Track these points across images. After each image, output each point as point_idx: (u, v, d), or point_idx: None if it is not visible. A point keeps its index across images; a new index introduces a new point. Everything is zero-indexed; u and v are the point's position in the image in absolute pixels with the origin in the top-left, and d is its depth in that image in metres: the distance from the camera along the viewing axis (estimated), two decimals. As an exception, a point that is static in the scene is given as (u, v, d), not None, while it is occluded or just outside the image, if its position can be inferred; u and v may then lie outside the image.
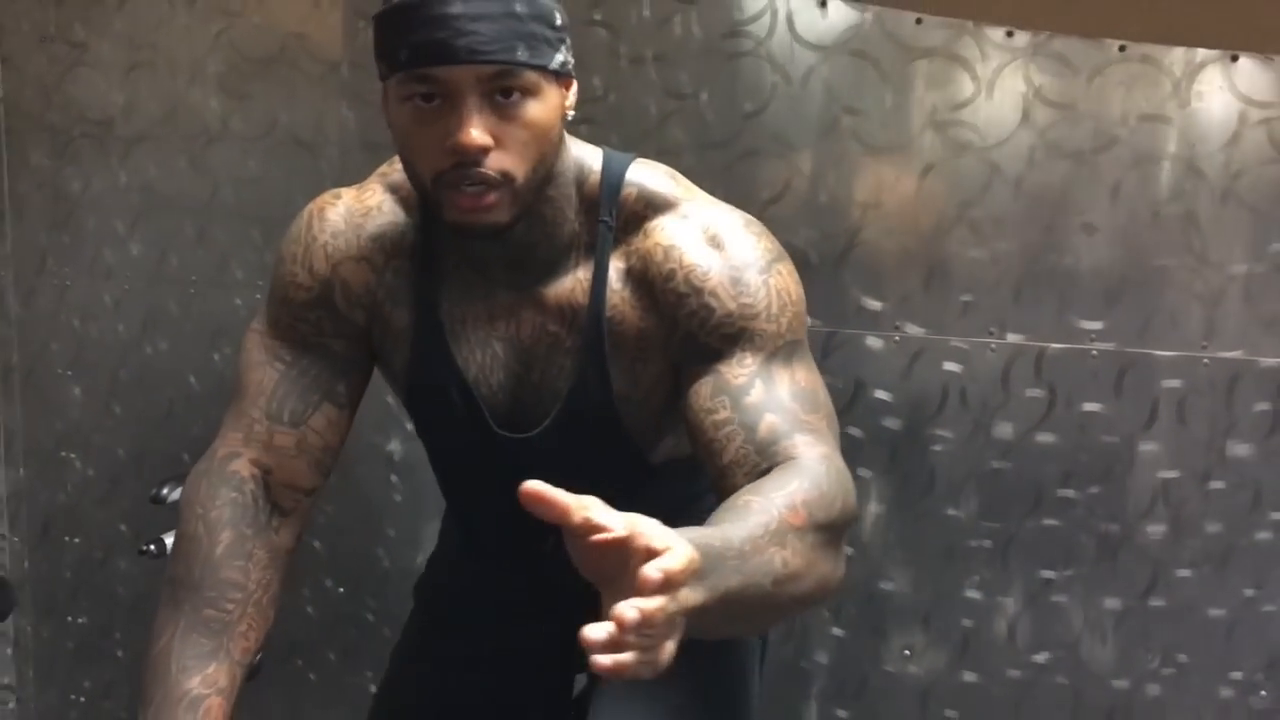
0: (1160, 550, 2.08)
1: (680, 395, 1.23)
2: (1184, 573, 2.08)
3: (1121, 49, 1.97)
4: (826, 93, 2.10)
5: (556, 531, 1.39)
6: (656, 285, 1.23)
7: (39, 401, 2.63)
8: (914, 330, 2.12)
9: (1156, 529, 2.07)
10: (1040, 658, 2.15)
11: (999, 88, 2.03)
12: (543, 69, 1.13)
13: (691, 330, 1.22)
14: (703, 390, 1.20)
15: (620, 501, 1.33)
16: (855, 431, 2.17)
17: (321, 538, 2.51)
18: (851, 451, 2.15)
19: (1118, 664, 2.12)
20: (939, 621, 2.19)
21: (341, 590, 2.52)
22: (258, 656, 1.28)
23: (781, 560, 1.00)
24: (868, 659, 2.24)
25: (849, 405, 2.16)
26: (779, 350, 1.21)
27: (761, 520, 1.01)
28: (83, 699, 2.72)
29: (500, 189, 1.14)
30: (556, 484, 1.35)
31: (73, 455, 2.63)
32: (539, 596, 1.46)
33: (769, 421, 1.16)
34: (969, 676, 2.19)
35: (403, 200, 1.33)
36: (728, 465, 1.16)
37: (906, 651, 2.22)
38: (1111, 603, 2.11)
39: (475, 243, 1.24)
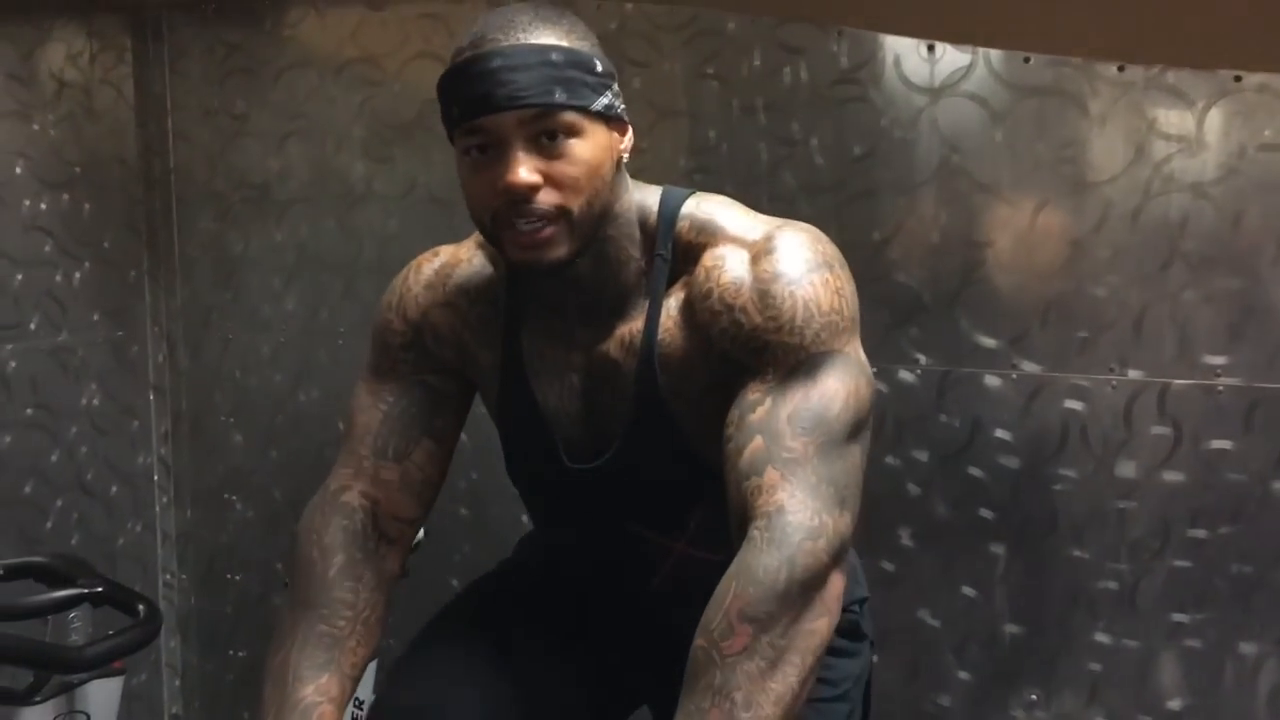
0: (1298, 593, 2.00)
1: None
2: (1325, 617, 1.99)
3: (1237, 79, 1.94)
4: (936, 134, 2.12)
5: (651, 570, 1.44)
6: (696, 304, 1.29)
7: (204, 447, 2.83)
8: (1031, 368, 2.11)
9: (1293, 571, 2.00)
10: (1173, 704, 2.08)
11: (1111, 123, 2.03)
12: (583, 109, 1.22)
13: (725, 347, 1.27)
14: (732, 404, 1.25)
15: (700, 519, 1.38)
16: (975, 471, 2.16)
17: (459, 577, 2.62)
18: (971, 492, 2.16)
19: (1257, 712, 2.03)
20: (1066, 666, 2.15)
21: (477, 627, 2.62)
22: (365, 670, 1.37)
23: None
24: (994, 703, 2.20)
25: (967, 444, 2.16)
26: (801, 364, 1.23)
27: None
28: (242, 729, 2.89)
29: (556, 222, 1.22)
30: (630, 508, 1.40)
31: (234, 497, 2.82)
32: (618, 623, 1.52)
33: (754, 446, 1.20)
34: (1099, 723, 2.14)
35: (491, 256, 1.44)
36: (726, 485, 1.22)
37: (1034, 696, 2.18)
38: (1247, 647, 2.03)
39: (549, 284, 1.32)
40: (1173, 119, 1.99)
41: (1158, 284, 2.03)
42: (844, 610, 1.45)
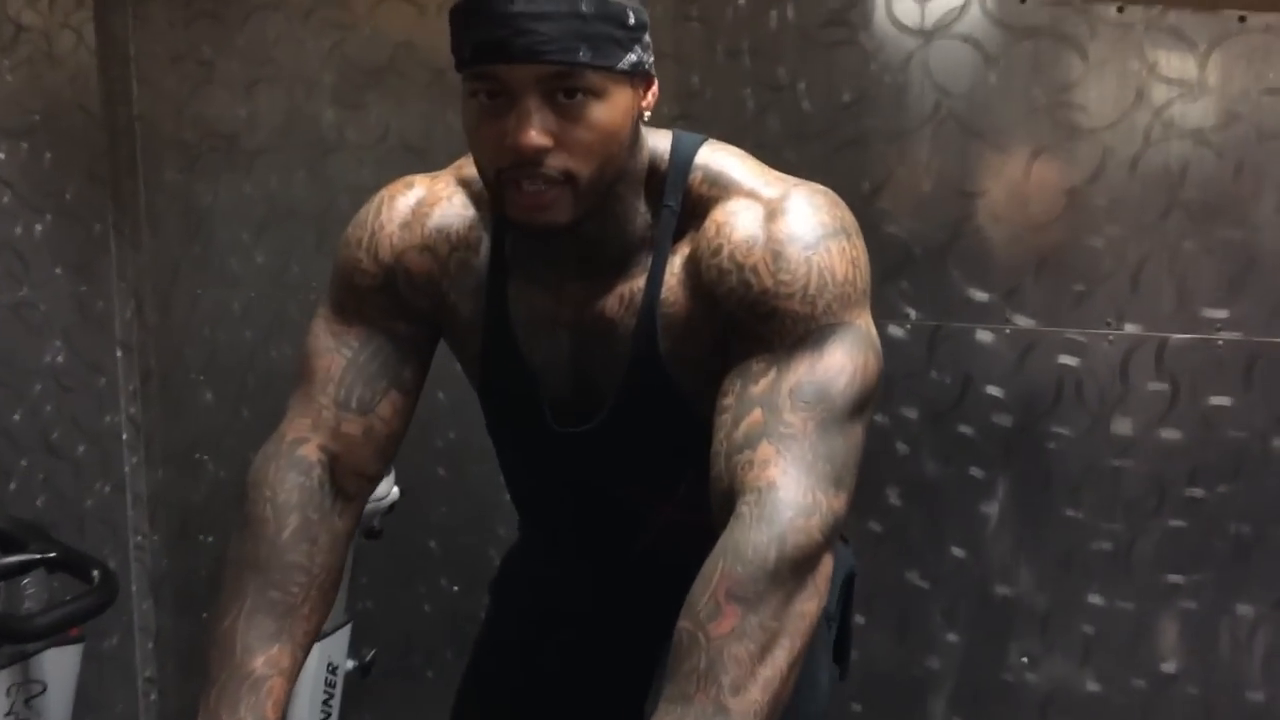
0: (1298, 553, 1.95)
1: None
2: (1325, 578, 1.95)
3: (1242, 20, 1.87)
4: (928, 79, 2.04)
5: (636, 534, 1.38)
6: (703, 261, 1.20)
7: (174, 406, 2.75)
8: (1025, 322, 2.05)
9: (1293, 530, 1.95)
10: (1168, 667, 2.04)
11: (1111, 66, 1.95)
12: (608, 70, 1.11)
13: (731, 309, 1.18)
14: (730, 370, 1.18)
15: (691, 482, 1.31)
16: (965, 429, 2.10)
17: (436, 538, 2.56)
18: (962, 450, 2.10)
19: (1252, 674, 2.00)
20: (1058, 628, 2.10)
21: (456, 589, 2.57)
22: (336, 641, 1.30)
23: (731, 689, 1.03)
24: (984, 666, 2.16)
25: (957, 401, 2.09)
26: (810, 334, 1.15)
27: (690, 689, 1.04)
28: (218, 693, 2.83)
29: (561, 187, 1.13)
30: (618, 473, 1.34)
31: (206, 457, 2.74)
32: (604, 595, 1.46)
33: (752, 419, 1.13)
34: (1091, 686, 2.09)
35: (474, 195, 1.33)
36: (713, 454, 1.15)
37: (1025, 659, 2.13)
38: (1245, 609, 1.99)
39: (545, 240, 1.22)
40: (1174, 62, 1.92)
41: (1156, 235, 1.96)
42: None
